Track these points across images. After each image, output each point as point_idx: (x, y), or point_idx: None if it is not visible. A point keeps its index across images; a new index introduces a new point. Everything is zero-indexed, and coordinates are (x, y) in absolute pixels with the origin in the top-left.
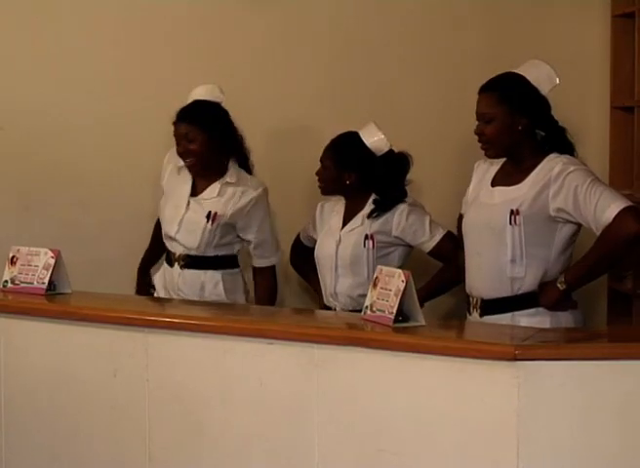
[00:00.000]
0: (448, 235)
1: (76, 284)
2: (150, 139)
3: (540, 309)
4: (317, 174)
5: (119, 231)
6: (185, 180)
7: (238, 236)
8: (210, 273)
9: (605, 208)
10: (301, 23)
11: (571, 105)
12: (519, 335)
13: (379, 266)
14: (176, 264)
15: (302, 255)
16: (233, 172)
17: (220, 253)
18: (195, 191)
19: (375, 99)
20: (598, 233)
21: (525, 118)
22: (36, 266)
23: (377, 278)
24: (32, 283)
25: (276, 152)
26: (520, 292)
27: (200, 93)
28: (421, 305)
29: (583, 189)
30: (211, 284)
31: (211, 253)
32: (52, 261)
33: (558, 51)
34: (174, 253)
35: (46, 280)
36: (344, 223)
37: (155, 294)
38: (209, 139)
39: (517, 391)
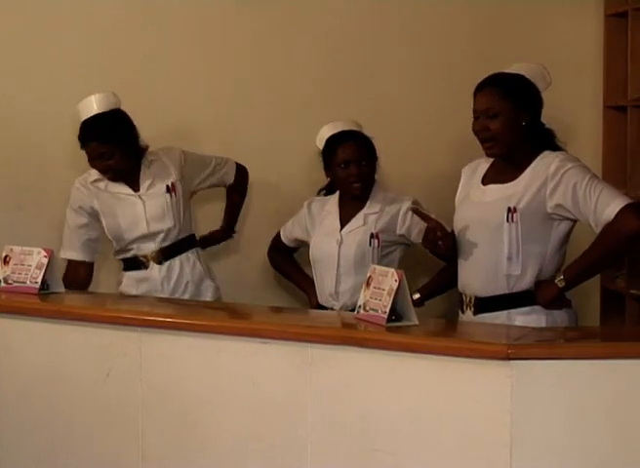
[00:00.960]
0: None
1: None
2: (145, 140)
3: (536, 307)
4: (359, 175)
5: None
6: (118, 188)
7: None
8: (184, 256)
9: (606, 205)
10: (297, 22)
11: (564, 104)
12: (512, 335)
13: (372, 266)
14: (151, 263)
15: (284, 255)
16: (147, 155)
17: (185, 233)
18: (134, 189)
19: (370, 99)
20: (598, 230)
21: (527, 114)
22: (29, 266)
23: (370, 277)
24: (25, 282)
25: (272, 150)
26: (515, 289)
27: (98, 105)
28: (423, 304)
29: (583, 186)
30: (189, 266)
31: (182, 234)
32: (45, 261)
33: (551, 50)
34: (145, 255)
35: (39, 279)
36: (342, 222)
37: None
38: (124, 151)
39: (510, 390)
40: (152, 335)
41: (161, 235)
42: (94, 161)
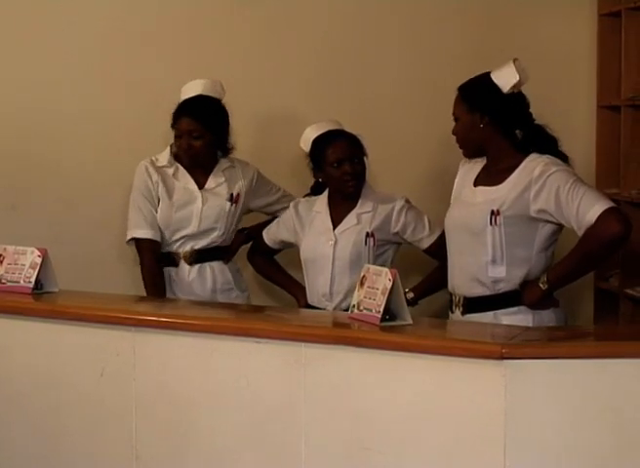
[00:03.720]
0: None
1: (63, 282)
2: (138, 137)
3: (523, 307)
4: (353, 173)
5: (106, 229)
6: (184, 179)
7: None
8: (215, 263)
9: (588, 209)
10: (289, 19)
11: (558, 104)
12: (506, 334)
13: (365, 265)
14: (182, 262)
15: (266, 257)
16: (228, 157)
17: (225, 244)
18: (199, 185)
19: (361, 99)
20: (580, 234)
21: (486, 116)
22: (23, 265)
23: (364, 276)
24: (19, 282)
25: (263, 147)
26: (502, 291)
27: (204, 87)
28: (417, 303)
29: (565, 190)
30: (219, 273)
31: (222, 244)
32: (38, 260)
33: (545, 50)
34: (177, 253)
35: (32, 279)
36: (334, 222)
37: None
38: (212, 138)
39: (504, 389)
40: (146, 335)
41: (205, 239)
42: (180, 137)
